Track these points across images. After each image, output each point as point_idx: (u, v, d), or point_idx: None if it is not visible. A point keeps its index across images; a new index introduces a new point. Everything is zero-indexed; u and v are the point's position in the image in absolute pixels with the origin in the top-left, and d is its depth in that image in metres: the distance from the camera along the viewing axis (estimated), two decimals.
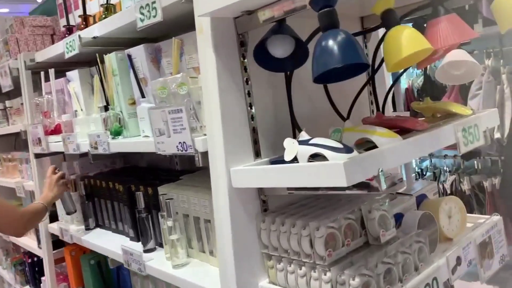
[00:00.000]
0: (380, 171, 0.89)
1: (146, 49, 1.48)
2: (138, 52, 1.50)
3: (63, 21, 2.19)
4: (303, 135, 1.01)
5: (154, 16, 1.31)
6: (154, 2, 1.31)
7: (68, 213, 2.00)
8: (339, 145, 0.93)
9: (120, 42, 1.65)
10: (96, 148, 1.59)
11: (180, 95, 1.17)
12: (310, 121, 1.22)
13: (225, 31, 1.10)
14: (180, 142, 1.17)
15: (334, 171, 0.85)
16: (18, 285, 2.91)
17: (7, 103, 2.51)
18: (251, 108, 1.14)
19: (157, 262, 1.49)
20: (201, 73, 1.12)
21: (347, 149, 0.92)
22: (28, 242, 2.56)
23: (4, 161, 2.78)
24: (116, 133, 1.56)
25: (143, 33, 1.55)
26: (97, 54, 1.61)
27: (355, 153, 0.92)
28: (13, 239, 2.80)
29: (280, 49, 1.04)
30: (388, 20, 0.96)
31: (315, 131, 1.09)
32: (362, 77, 1.40)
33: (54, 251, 2.30)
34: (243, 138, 1.13)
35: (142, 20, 1.37)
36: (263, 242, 1.15)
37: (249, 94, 1.14)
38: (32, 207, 1.75)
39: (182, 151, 1.17)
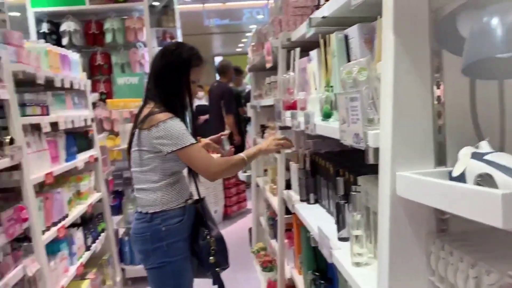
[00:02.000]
0: None
1: (361, 29, 1.39)
2: (354, 33, 1.42)
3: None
4: (483, 146, 0.75)
5: None
6: None
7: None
8: None
9: (346, 22, 1.59)
10: (307, 128, 1.62)
11: (359, 82, 1.05)
12: None
13: (412, 7, 0.91)
14: (355, 133, 1.07)
15: (488, 203, 0.60)
16: (269, 238, 3.36)
17: (272, 78, 2.84)
18: (438, 103, 0.92)
19: (343, 253, 1.43)
20: (382, 59, 0.97)
21: None
22: (274, 201, 2.89)
23: (270, 128, 3.19)
24: (326, 115, 1.55)
25: (369, 12, 1.45)
26: (319, 35, 1.61)
27: None
28: (269, 197, 3.21)
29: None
30: None
31: None
32: None
33: (286, 216, 2.52)
34: (421, 139, 0.93)
35: None
36: (432, 267, 0.94)
37: (438, 85, 0.92)
38: (231, 158, 1.99)
39: (356, 143, 1.07)
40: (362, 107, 1.01)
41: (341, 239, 1.55)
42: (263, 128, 3.47)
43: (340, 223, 1.54)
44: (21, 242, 2.21)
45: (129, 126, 2.33)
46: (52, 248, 2.50)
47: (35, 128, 2.42)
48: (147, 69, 4.72)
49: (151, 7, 5.90)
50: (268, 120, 3.31)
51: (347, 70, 1.13)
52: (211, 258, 1.99)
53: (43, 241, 2.30)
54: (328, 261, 1.48)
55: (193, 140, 1.91)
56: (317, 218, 1.85)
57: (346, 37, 1.47)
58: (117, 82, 4.36)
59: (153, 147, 1.92)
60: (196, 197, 2.16)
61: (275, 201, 2.87)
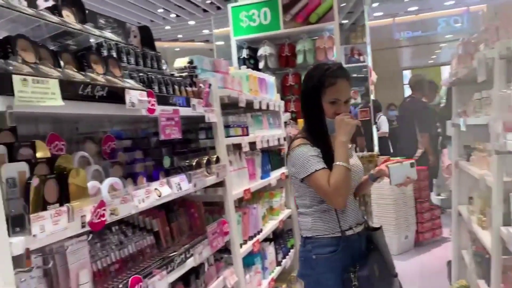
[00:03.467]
0: None
1: None
2: None
3: None
4: None
5: None
6: None
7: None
8: None
9: None
10: None
11: None
12: None
13: None
14: None
15: None
16: (474, 276, 2.90)
17: (483, 93, 2.45)
18: None
19: None
20: None
21: None
22: (483, 235, 2.47)
23: (478, 150, 2.77)
24: None
25: None
26: None
27: None
28: (477, 230, 2.78)
29: None
30: None
31: None
32: None
33: (504, 256, 2.11)
34: None
35: None
36: None
37: None
38: (336, 177, 1.80)
39: None
40: None
41: None
42: (469, 149, 3.05)
43: None
44: (222, 254, 2.38)
45: None
46: (248, 262, 2.63)
47: (236, 147, 2.60)
48: None
49: (340, 25, 5.94)
50: (475, 141, 2.89)
51: None
52: None
53: (241, 254, 2.43)
54: None
55: (317, 167, 1.82)
56: None
57: None
58: None
59: (293, 172, 1.94)
60: (375, 224, 2.04)
61: (484, 236, 2.46)
